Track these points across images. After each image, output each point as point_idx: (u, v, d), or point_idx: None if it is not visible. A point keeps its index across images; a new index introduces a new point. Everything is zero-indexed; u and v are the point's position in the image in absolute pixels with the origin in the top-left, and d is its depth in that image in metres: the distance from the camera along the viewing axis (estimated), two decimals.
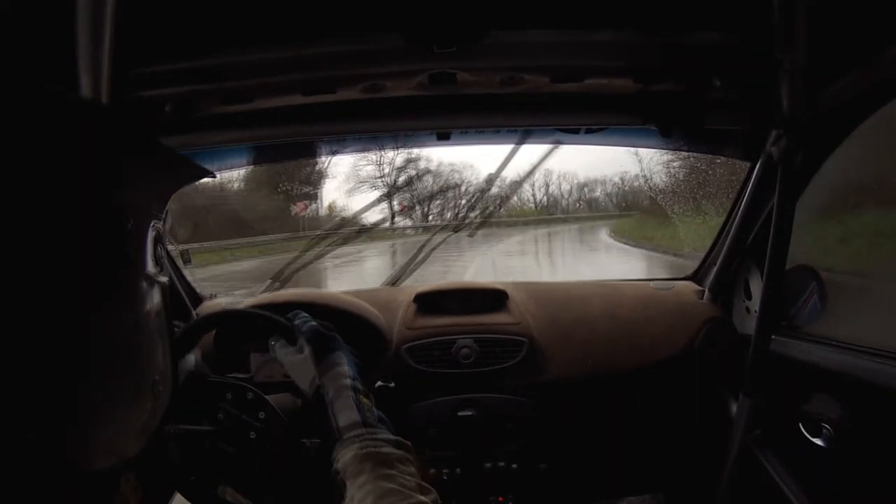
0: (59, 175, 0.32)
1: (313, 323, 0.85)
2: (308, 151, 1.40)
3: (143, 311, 0.37)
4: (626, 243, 10.70)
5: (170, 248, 1.44)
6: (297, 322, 0.86)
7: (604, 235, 13.31)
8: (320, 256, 1.55)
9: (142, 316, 0.37)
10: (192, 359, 0.98)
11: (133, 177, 0.36)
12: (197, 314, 1.41)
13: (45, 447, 0.31)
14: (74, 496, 0.34)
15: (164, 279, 0.40)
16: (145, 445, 0.38)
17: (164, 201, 0.42)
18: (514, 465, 1.24)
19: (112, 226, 0.35)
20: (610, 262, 9.65)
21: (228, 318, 0.99)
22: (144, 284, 0.37)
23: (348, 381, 0.76)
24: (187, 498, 0.95)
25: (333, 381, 0.76)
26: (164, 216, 0.41)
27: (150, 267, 0.38)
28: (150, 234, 0.38)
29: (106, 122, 0.37)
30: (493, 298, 1.40)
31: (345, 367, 0.78)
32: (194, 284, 1.50)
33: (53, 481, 0.31)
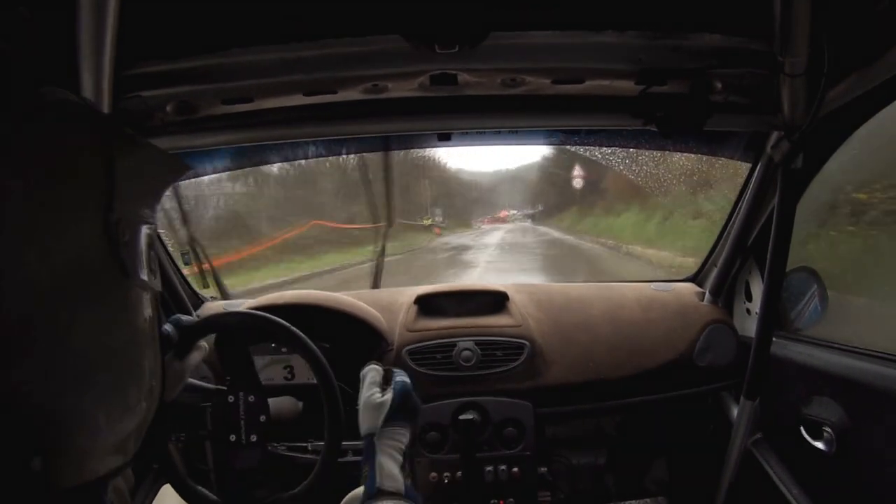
0: (54, 180, 0.32)
1: (408, 382, 0.85)
2: (308, 152, 1.40)
3: (139, 319, 0.37)
4: None
5: (170, 248, 1.44)
6: (396, 374, 0.86)
7: None
8: None
9: (137, 323, 0.37)
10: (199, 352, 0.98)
11: (125, 179, 0.36)
12: (198, 316, 1.41)
13: (43, 467, 0.30)
14: None
15: (157, 285, 0.40)
16: (137, 451, 0.38)
17: (155, 203, 0.41)
18: (515, 469, 1.24)
19: (107, 234, 0.34)
20: None
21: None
22: (139, 292, 0.37)
23: (405, 450, 0.79)
24: (184, 497, 0.95)
25: (393, 440, 0.79)
26: (155, 219, 0.41)
27: (145, 274, 0.37)
28: (144, 240, 0.38)
29: (100, 123, 0.37)
30: (493, 300, 1.40)
31: (408, 436, 0.81)
32: (195, 286, 1.50)
33: (40, 493, 0.31)
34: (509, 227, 14.13)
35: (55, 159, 0.32)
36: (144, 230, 0.38)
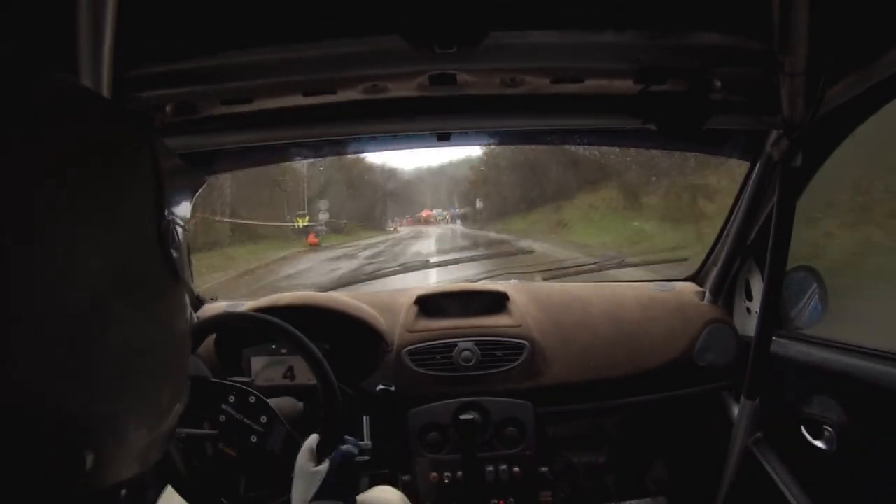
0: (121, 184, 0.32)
1: (351, 452, 0.79)
2: (308, 152, 1.40)
3: (181, 321, 0.37)
4: None
5: None
6: (343, 445, 0.81)
7: None
8: None
9: (180, 325, 0.37)
10: (197, 361, 0.98)
11: (167, 177, 0.36)
12: (198, 317, 1.41)
13: (94, 466, 0.30)
14: None
15: (190, 284, 0.40)
16: (164, 450, 0.38)
17: (187, 205, 0.41)
18: (516, 468, 1.24)
19: (159, 234, 0.34)
20: None
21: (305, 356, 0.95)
22: (182, 293, 0.37)
23: None
24: (186, 499, 0.95)
25: None
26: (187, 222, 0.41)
27: (187, 275, 0.38)
28: (183, 241, 0.38)
29: (135, 116, 0.37)
30: (493, 301, 1.40)
31: None
32: (194, 287, 1.50)
33: (86, 494, 0.31)
34: (440, 231, 10.40)
35: (108, 154, 0.31)
36: (181, 232, 0.38)
